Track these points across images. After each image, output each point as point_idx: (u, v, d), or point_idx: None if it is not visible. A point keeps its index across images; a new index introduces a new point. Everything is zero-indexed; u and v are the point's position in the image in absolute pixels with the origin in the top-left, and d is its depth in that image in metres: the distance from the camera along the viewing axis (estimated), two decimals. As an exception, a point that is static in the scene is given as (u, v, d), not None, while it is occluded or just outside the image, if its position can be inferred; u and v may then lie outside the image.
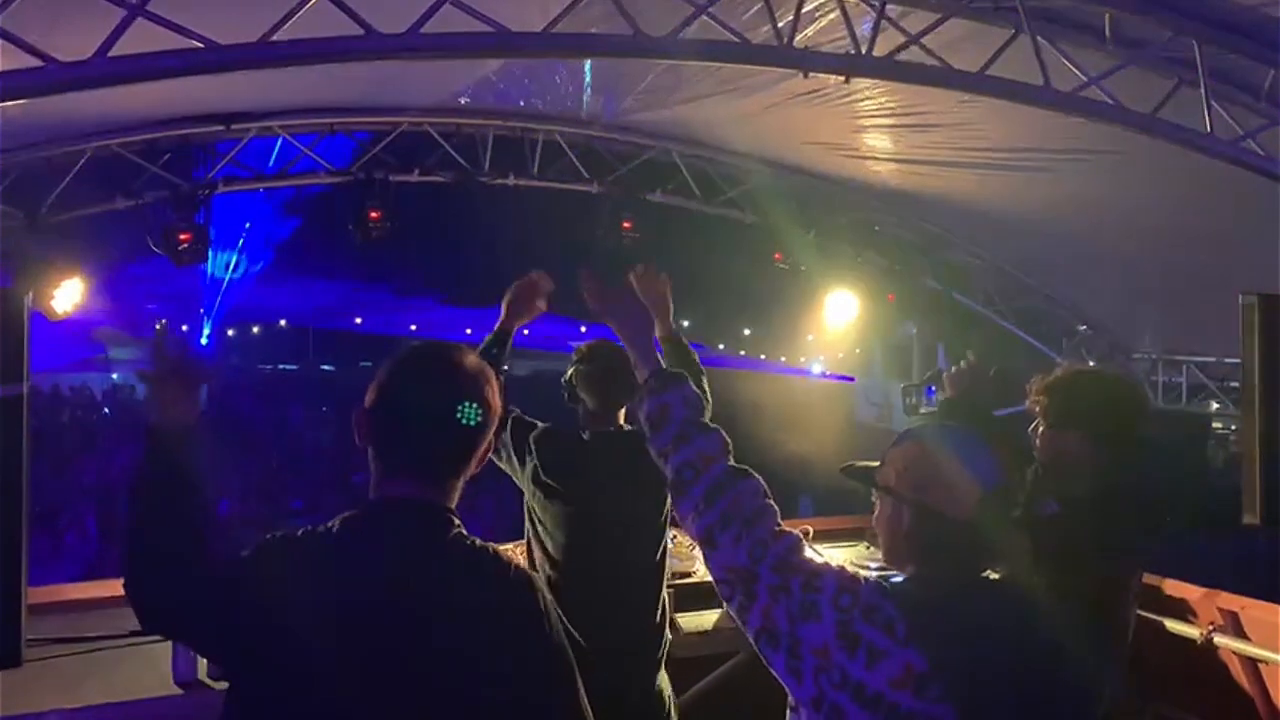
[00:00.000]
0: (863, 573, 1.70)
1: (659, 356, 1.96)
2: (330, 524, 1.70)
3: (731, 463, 1.81)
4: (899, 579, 1.77)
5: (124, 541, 1.74)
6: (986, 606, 1.69)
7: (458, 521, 1.74)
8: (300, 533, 1.70)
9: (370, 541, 1.68)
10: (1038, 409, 2.86)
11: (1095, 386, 2.92)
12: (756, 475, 1.80)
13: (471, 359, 1.81)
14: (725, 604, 1.75)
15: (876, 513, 1.84)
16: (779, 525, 1.74)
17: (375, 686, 1.57)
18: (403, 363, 1.80)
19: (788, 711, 1.73)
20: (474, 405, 1.74)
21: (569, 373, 3.36)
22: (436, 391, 1.75)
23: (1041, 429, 2.85)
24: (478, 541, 1.74)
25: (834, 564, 1.72)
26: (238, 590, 1.63)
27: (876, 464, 1.87)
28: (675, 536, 4.68)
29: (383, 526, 1.71)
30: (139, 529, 1.73)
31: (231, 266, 29.73)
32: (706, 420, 1.87)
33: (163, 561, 1.69)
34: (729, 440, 1.85)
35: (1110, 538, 2.60)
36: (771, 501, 1.78)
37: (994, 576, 1.75)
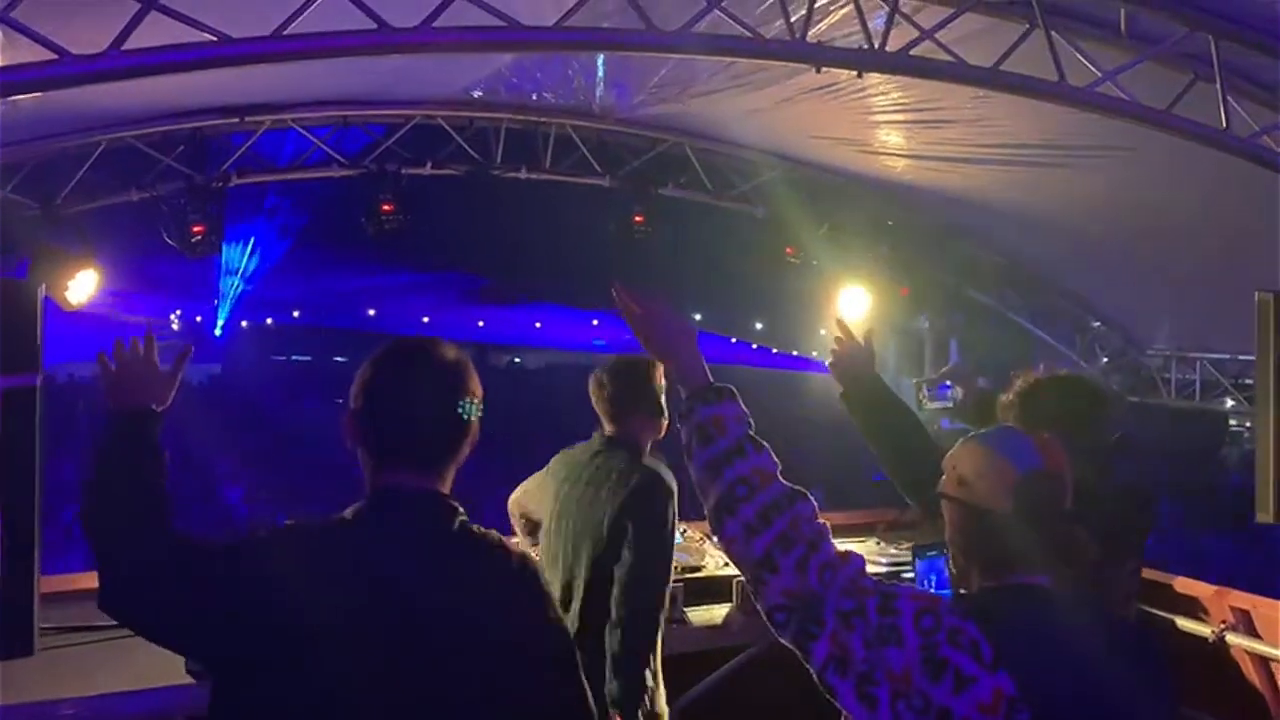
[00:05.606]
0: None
1: (707, 369, 1.84)
2: (338, 515, 1.71)
3: (787, 483, 1.73)
4: (962, 592, 1.73)
5: (89, 536, 1.69)
6: (1064, 621, 1.65)
7: (461, 510, 1.75)
8: (307, 523, 1.70)
9: (380, 532, 1.69)
10: (1008, 419, 2.86)
11: (1052, 388, 2.98)
12: (811, 497, 1.73)
13: (451, 349, 1.81)
14: (777, 633, 1.66)
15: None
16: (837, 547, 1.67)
17: (385, 674, 1.58)
18: (387, 360, 1.80)
19: None
20: (469, 399, 1.77)
21: None
22: (426, 384, 1.76)
23: None
24: (480, 529, 1.76)
25: (903, 584, 1.69)
26: (238, 580, 1.61)
27: None
28: (685, 530, 4.70)
29: (391, 516, 1.71)
30: (103, 519, 1.69)
31: (246, 257, 29.83)
32: (758, 438, 1.78)
33: (133, 552, 1.66)
34: (779, 461, 1.77)
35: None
36: (825, 522, 1.72)
37: (1059, 588, 1.70)
